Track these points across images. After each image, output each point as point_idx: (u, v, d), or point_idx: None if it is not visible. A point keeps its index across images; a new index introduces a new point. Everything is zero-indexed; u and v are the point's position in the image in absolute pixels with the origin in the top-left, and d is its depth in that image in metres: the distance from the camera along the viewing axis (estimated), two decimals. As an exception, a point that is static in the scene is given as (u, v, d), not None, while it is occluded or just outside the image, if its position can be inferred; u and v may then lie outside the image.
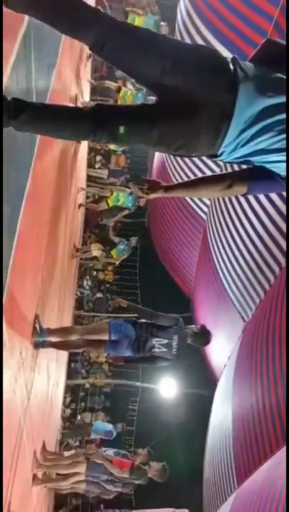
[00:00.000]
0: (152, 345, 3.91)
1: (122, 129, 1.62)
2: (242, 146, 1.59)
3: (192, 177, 7.77)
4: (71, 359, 9.65)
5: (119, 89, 8.29)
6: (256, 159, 1.65)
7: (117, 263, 9.50)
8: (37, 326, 3.49)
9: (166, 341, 3.95)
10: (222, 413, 6.98)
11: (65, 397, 8.82)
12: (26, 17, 2.19)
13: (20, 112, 1.67)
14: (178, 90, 1.56)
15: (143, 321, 4.06)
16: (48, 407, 5.51)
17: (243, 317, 6.87)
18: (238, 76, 1.54)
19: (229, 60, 1.60)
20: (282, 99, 1.54)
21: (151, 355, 4.01)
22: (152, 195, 1.84)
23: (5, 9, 1.59)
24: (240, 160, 1.68)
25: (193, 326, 4.27)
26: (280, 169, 1.65)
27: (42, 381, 4.49)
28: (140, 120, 1.62)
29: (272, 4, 4.42)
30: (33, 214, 2.96)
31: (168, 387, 8.88)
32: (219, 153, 1.62)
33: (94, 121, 1.63)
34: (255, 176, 1.73)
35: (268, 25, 4.46)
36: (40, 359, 4.00)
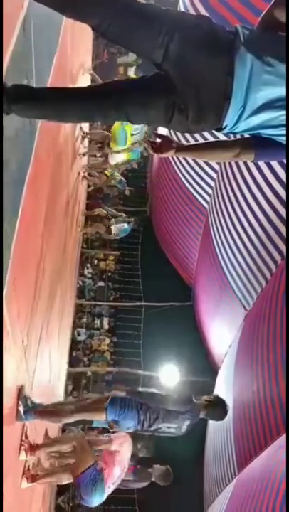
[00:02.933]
0: (158, 428, 3.40)
1: (134, 112, 1.63)
2: (244, 120, 1.62)
3: (192, 163, 7.70)
4: (72, 347, 9.69)
5: None
6: (259, 132, 1.68)
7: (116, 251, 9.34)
8: (21, 404, 2.99)
9: (175, 426, 3.42)
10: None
11: (67, 385, 8.87)
12: (26, 3, 2.16)
13: (22, 97, 1.65)
14: (180, 68, 1.56)
15: (148, 401, 3.45)
16: (51, 395, 5.55)
17: (244, 305, 6.88)
18: (236, 55, 1.53)
19: (230, 34, 1.58)
20: (279, 90, 1.55)
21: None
22: (163, 154, 1.83)
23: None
24: (244, 133, 1.70)
25: (205, 396, 3.60)
26: (283, 140, 1.68)
27: (44, 369, 4.51)
28: (155, 102, 1.62)
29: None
30: (35, 197, 2.95)
31: (170, 375, 8.92)
32: (223, 126, 1.65)
33: (102, 101, 1.63)
34: (260, 144, 1.75)
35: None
36: (42, 346, 4.02)
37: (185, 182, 8.56)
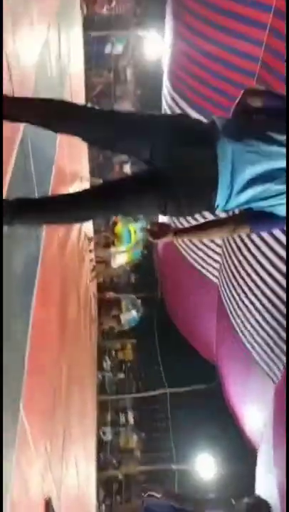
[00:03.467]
0: None
1: (131, 210, 1.74)
2: (234, 198, 1.72)
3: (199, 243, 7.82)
4: (99, 449, 9.19)
5: None
6: (250, 206, 1.77)
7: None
8: None
9: None
10: (266, 487, 6.46)
11: (98, 492, 8.26)
12: (22, 126, 2.39)
13: (24, 208, 1.77)
14: (167, 163, 1.69)
15: (186, 508, 3.34)
16: (82, 504, 5.16)
17: (272, 378, 6.60)
18: (217, 142, 1.67)
19: (208, 126, 1.74)
20: (263, 166, 1.65)
21: None
22: (162, 240, 1.93)
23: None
24: (237, 208, 1.80)
25: (246, 499, 3.52)
26: (277, 210, 1.76)
27: (71, 476, 4.25)
28: (148, 197, 1.74)
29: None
30: (45, 302, 3.00)
31: (205, 467, 8.32)
32: (215, 206, 1.75)
33: (100, 203, 1.76)
34: (254, 218, 1.84)
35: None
36: (66, 452, 3.82)
37: (191, 260, 8.69)
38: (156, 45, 9.94)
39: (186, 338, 10.42)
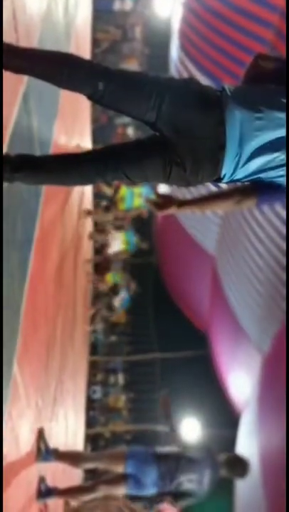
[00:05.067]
0: (180, 482, 3.34)
1: (131, 171, 1.70)
2: (241, 167, 1.67)
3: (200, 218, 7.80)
4: (89, 407, 9.45)
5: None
6: (260, 176, 1.71)
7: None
8: (42, 445, 2.99)
9: (196, 477, 3.36)
10: (247, 448, 6.71)
11: (85, 448, 8.56)
12: (26, 77, 2.31)
13: (24, 165, 1.73)
14: (173, 126, 1.64)
15: (167, 453, 3.45)
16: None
17: (260, 350, 6.75)
18: (225, 108, 1.62)
19: (217, 91, 1.68)
20: (274, 133, 1.61)
21: (177, 491, 3.41)
22: (166, 212, 1.89)
23: (5, 72, 1.69)
24: (245, 179, 1.74)
25: (222, 454, 3.57)
26: (281, 182, 1.72)
27: (60, 432, 4.39)
28: (151, 159, 1.69)
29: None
30: (43, 258, 3.00)
31: (190, 429, 8.60)
32: (222, 176, 1.70)
33: (101, 164, 1.71)
34: (260, 189, 1.79)
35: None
36: (57, 408, 3.93)
37: (190, 231, 8.68)
38: (167, 2, 9.55)
39: (179, 305, 10.55)
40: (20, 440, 2.43)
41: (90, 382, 9.85)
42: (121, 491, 3.43)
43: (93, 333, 10.73)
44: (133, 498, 3.71)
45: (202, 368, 9.52)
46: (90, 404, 9.67)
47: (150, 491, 3.38)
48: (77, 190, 6.12)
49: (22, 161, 1.76)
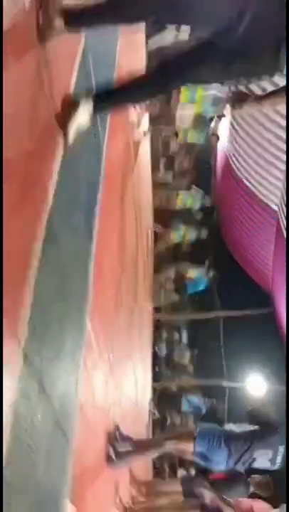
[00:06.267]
0: (253, 459, 3.22)
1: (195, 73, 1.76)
2: None
3: (259, 169, 7.52)
4: (155, 363, 9.75)
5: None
6: None
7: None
8: (117, 434, 3.05)
9: (270, 455, 3.19)
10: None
11: (153, 400, 8.91)
12: (83, 38, 2.29)
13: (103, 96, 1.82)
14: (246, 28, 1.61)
15: (238, 431, 3.33)
16: (138, 411, 5.60)
17: None
18: None
19: None
20: None
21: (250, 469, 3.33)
22: (243, 106, 1.98)
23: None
24: None
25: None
26: None
27: (130, 386, 4.57)
28: (213, 59, 1.70)
29: None
30: (107, 216, 3.05)
31: (256, 385, 8.64)
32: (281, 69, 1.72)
33: (162, 76, 1.76)
34: None
35: None
36: (126, 363, 4.08)
37: (251, 187, 8.38)
38: None
39: (241, 264, 10.38)
40: (95, 390, 2.56)
41: (155, 339, 10.11)
42: (190, 448, 3.35)
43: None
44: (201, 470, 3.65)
45: (267, 326, 9.44)
46: (156, 360, 9.96)
47: (219, 467, 3.32)
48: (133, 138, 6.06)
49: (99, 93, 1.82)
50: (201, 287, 8.71)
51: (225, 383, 9.38)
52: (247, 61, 1.67)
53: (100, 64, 2.69)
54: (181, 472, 7.77)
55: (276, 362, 8.80)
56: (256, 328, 9.38)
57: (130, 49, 5.40)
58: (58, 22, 1.66)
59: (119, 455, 3.01)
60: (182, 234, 9.04)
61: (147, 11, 1.76)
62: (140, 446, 3.43)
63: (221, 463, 3.26)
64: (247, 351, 9.08)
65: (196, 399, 8.69)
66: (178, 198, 9.39)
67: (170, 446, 3.46)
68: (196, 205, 9.35)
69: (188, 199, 9.29)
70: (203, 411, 8.64)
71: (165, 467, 8.75)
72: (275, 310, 9.54)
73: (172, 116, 8.00)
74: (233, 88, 2.88)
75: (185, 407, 8.77)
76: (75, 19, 1.72)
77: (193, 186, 9.64)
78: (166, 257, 11.43)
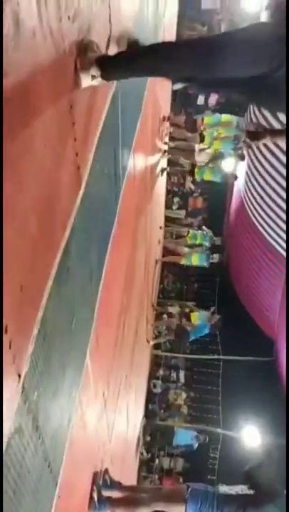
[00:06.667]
0: None
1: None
2: None
3: (269, 212, 7.58)
4: (148, 400, 9.57)
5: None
6: None
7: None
8: (106, 478, 2.97)
9: None
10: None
11: (144, 439, 8.69)
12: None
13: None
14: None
15: (232, 494, 3.13)
16: (127, 448, 5.48)
17: None
18: None
19: None
20: None
21: None
22: (260, 140, 2.05)
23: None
24: None
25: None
26: None
27: (122, 422, 4.49)
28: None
29: None
30: (118, 253, 3.09)
31: (251, 437, 8.40)
32: None
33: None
34: None
35: None
36: (120, 400, 4.03)
37: (263, 232, 8.43)
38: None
39: (246, 308, 10.32)
40: (87, 427, 2.53)
41: (151, 376, 9.96)
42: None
43: (157, 328, 10.82)
44: None
45: (267, 374, 9.28)
46: (150, 397, 9.78)
47: None
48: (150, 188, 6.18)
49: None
50: (204, 333, 8.57)
51: (219, 430, 9.15)
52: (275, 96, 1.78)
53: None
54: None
55: (273, 411, 8.61)
56: (256, 375, 9.22)
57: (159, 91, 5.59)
58: (94, 71, 1.75)
59: (103, 502, 2.90)
60: (192, 259, 9.00)
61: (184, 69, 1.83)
62: (125, 499, 3.15)
63: None
64: (244, 399, 8.90)
65: (189, 433, 8.44)
66: (188, 236, 9.42)
67: (159, 509, 3.18)
68: (206, 244, 9.33)
69: (198, 238, 9.31)
70: (195, 447, 8.39)
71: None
72: (277, 358, 9.41)
73: (192, 150, 8.01)
74: (251, 123, 2.99)
75: (177, 441, 8.52)
76: (111, 70, 1.80)
77: (204, 227, 9.70)
78: (172, 291, 11.40)
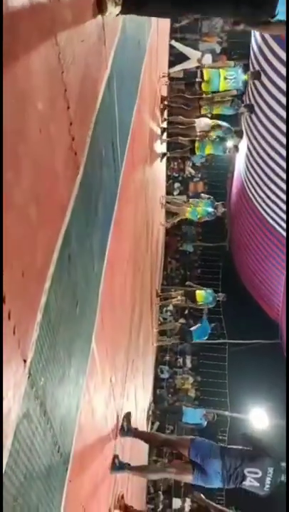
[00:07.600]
0: (244, 477, 3.40)
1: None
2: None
3: (269, 194, 7.57)
4: (156, 386, 9.64)
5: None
6: None
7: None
8: (116, 461, 3.32)
9: (260, 474, 3.39)
10: None
11: (152, 423, 8.77)
12: (109, 63, 2.35)
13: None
14: None
15: (234, 447, 3.60)
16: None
17: None
18: None
19: None
20: None
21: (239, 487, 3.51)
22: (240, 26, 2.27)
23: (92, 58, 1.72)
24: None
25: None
26: None
27: (130, 407, 4.52)
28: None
29: None
30: (119, 237, 3.07)
31: (259, 418, 8.46)
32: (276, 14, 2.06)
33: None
34: None
35: None
36: (128, 385, 4.05)
37: (265, 215, 8.39)
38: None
39: (250, 292, 10.33)
40: (95, 412, 2.54)
41: (158, 362, 10.02)
42: (188, 479, 3.53)
43: (162, 314, 10.85)
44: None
45: (273, 357, 9.31)
46: (158, 383, 9.85)
47: (215, 482, 3.43)
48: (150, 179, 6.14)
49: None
50: (206, 335, 8.61)
51: (227, 412, 9.22)
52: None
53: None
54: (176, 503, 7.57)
55: (281, 393, 8.65)
56: (262, 358, 9.26)
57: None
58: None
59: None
60: (198, 214, 8.75)
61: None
62: (139, 471, 3.72)
63: (215, 477, 3.39)
64: (251, 381, 8.95)
65: (197, 412, 8.47)
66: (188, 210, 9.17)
67: (169, 474, 3.67)
68: (209, 210, 9.04)
69: (200, 207, 8.99)
70: (204, 425, 8.45)
71: (160, 496, 8.57)
72: (282, 340, 9.44)
73: (191, 123, 7.84)
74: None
75: (186, 419, 8.58)
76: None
77: (202, 195, 9.38)
78: (176, 277, 11.41)
